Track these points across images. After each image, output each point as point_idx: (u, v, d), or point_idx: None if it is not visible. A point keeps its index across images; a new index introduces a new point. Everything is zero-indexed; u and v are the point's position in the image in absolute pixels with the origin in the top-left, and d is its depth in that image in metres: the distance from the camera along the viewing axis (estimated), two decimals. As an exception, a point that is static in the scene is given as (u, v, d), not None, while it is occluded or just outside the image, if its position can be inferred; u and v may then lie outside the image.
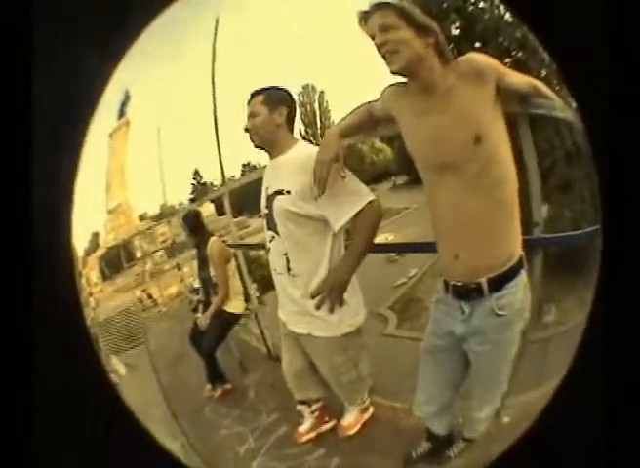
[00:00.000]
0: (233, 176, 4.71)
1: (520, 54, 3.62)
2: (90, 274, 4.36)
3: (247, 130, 2.73)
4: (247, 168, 4.88)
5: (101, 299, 4.53)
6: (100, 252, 4.51)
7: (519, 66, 3.49)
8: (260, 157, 3.65)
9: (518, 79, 2.13)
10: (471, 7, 3.80)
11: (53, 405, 1.92)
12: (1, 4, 1.81)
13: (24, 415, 1.85)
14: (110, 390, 2.20)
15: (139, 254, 5.01)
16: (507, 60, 3.59)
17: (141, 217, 4.86)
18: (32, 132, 1.86)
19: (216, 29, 4.06)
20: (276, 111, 2.66)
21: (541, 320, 3.14)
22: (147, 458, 2.12)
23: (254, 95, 2.74)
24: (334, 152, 2.32)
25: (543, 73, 3.37)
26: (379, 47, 2.05)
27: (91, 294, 4.34)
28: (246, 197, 4.66)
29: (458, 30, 3.68)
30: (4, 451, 1.84)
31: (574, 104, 2.55)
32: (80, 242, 2.51)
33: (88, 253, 4.23)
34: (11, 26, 1.82)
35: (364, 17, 2.10)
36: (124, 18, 1.98)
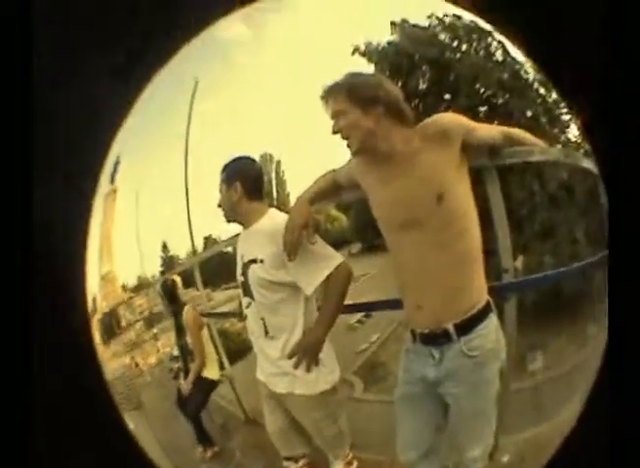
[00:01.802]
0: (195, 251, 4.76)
1: (500, 97, 3.64)
2: (95, 334, 4.39)
3: (219, 206, 2.87)
4: (209, 241, 4.90)
5: (103, 361, 4.56)
6: (97, 316, 4.55)
7: (496, 111, 3.53)
8: (222, 231, 3.74)
9: (488, 131, 2.24)
10: (449, 53, 3.81)
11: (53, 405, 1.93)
12: (1, 5, 1.85)
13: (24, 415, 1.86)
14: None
15: (124, 324, 5.04)
16: (482, 109, 3.62)
17: (123, 288, 4.90)
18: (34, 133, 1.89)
19: (192, 98, 4.14)
20: (231, 188, 2.77)
21: (527, 369, 3.13)
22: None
23: (221, 171, 2.86)
24: (304, 218, 2.41)
25: (529, 114, 3.40)
26: (335, 133, 2.18)
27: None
28: (209, 271, 4.70)
29: (426, 84, 3.69)
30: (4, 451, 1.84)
31: (571, 136, 2.58)
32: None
33: (91, 314, 4.26)
34: (10, 28, 1.85)
35: (324, 99, 2.24)
36: (126, 21, 2.02)
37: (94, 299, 4.49)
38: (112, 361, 4.83)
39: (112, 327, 4.84)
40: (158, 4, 2.10)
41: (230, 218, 2.88)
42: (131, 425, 2.70)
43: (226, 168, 2.85)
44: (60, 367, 1.99)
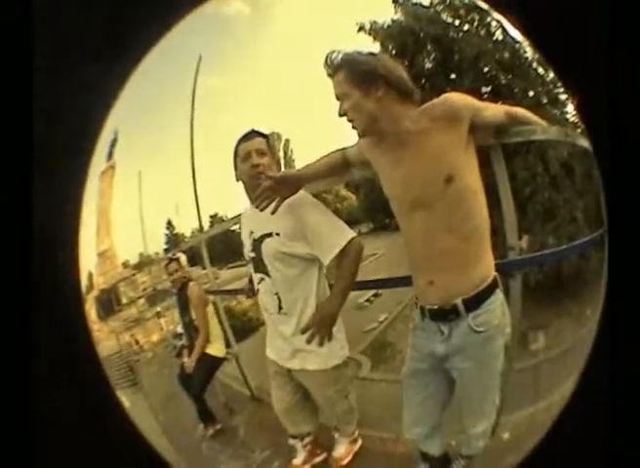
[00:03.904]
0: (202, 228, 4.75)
1: (502, 78, 3.62)
2: (90, 312, 4.37)
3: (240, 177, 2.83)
4: (215, 220, 4.88)
5: (100, 339, 4.54)
6: (94, 293, 4.54)
7: (500, 92, 3.52)
8: (227, 208, 3.72)
9: (494, 112, 2.20)
10: (452, 33, 3.77)
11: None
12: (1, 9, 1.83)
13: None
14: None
15: (124, 300, 5.03)
16: (486, 90, 3.60)
17: (124, 265, 4.88)
18: (33, 150, 1.87)
19: (196, 74, 4.10)
20: (274, 158, 2.78)
21: (529, 348, 3.14)
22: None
23: (251, 136, 2.82)
24: (289, 191, 2.52)
25: (531, 94, 3.39)
26: (341, 116, 2.19)
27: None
28: (214, 249, 4.69)
29: (432, 63, 3.66)
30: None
31: (569, 116, 2.56)
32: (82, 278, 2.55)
33: (87, 291, 4.25)
34: (10, 33, 1.83)
35: (330, 77, 2.21)
36: (124, 29, 2.01)
37: (90, 276, 4.47)
38: (109, 338, 4.82)
39: (111, 304, 4.83)
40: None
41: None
42: (126, 403, 2.72)
43: (256, 134, 2.82)
44: (54, 344, 1.98)
